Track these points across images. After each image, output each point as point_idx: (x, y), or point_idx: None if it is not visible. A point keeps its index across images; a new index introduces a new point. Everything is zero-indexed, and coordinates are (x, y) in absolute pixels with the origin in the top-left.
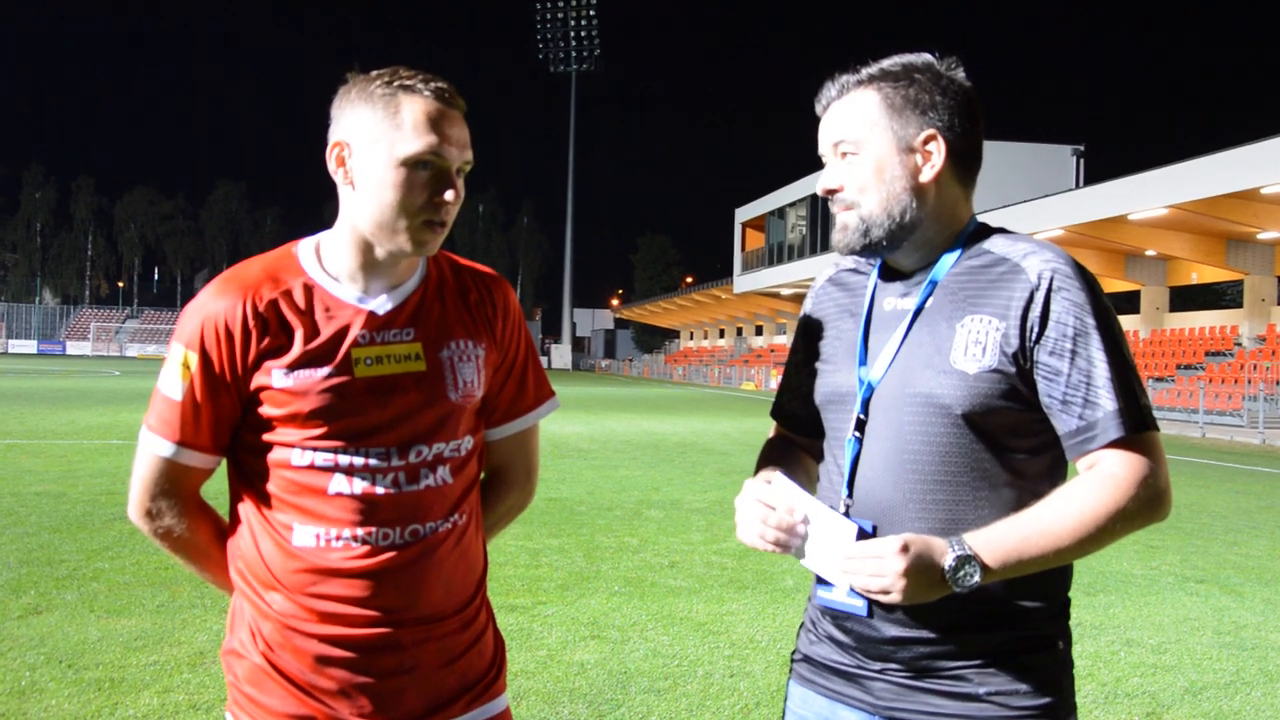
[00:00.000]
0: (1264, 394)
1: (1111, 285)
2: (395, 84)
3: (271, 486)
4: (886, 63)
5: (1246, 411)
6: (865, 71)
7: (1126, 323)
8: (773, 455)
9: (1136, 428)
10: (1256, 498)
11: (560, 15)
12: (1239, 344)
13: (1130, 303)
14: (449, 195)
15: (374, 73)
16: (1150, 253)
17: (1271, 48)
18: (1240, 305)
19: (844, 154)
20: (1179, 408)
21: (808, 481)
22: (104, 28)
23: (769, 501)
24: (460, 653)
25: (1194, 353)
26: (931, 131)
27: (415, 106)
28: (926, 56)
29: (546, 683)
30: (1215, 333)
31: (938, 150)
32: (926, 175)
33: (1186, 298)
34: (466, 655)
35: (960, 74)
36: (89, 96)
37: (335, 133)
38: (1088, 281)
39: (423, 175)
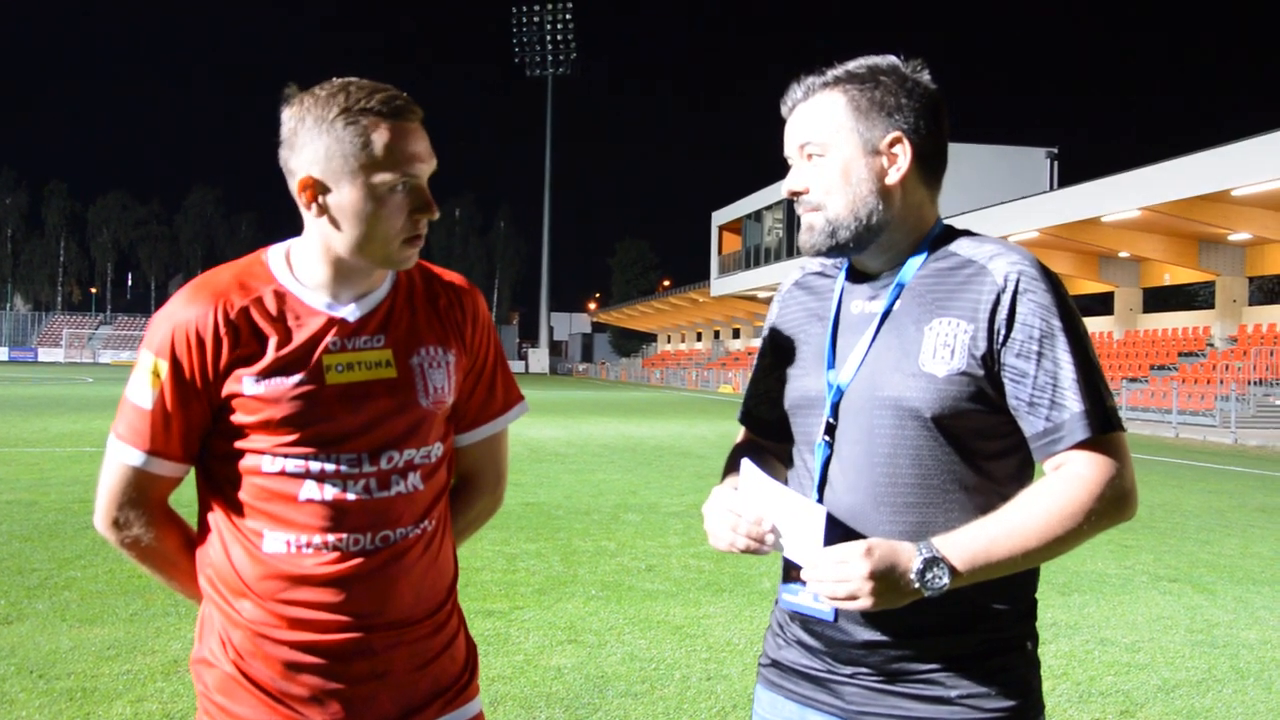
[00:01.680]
0: (1236, 394)
1: (1085, 286)
2: (355, 109)
3: (241, 494)
4: (852, 65)
5: (1219, 411)
6: (831, 73)
7: (1100, 324)
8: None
9: (1102, 428)
10: (1229, 497)
11: (537, 18)
12: (1211, 344)
13: (1104, 304)
14: (431, 212)
15: (322, 93)
16: (1123, 254)
17: (1243, 51)
18: (1212, 306)
19: (810, 156)
20: (1152, 408)
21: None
22: (77, 31)
23: (736, 509)
24: (432, 657)
25: (1167, 353)
26: (897, 134)
27: (382, 132)
28: (892, 59)
29: (523, 687)
30: (1188, 333)
31: (904, 152)
32: (893, 178)
33: (1159, 299)
34: (439, 660)
35: (925, 76)
36: (61, 100)
37: (297, 165)
38: (1053, 283)
39: (399, 197)
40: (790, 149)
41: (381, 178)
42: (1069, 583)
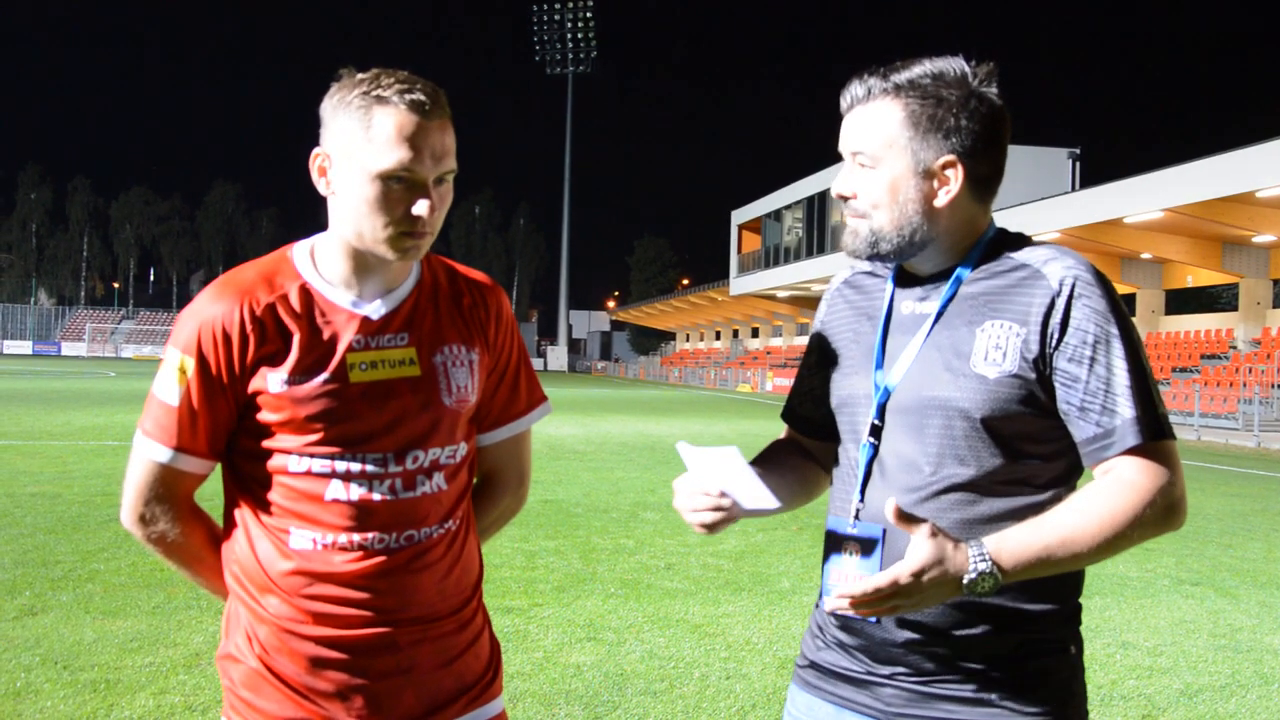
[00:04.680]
0: (1259, 397)
1: None
2: (372, 94)
3: (268, 492)
4: (918, 70)
5: (1242, 414)
6: (894, 78)
7: None
8: (763, 455)
9: (1154, 436)
10: (1251, 500)
11: (557, 17)
12: (1234, 347)
13: (1126, 305)
14: (421, 210)
15: (360, 76)
16: (1146, 256)
17: (1267, 51)
18: (1235, 308)
19: (861, 164)
20: (1174, 411)
21: (795, 480)
22: (102, 27)
23: (688, 491)
24: (457, 654)
25: (1189, 356)
26: (951, 158)
27: (387, 120)
28: (961, 67)
29: (543, 685)
30: (1211, 336)
31: (955, 176)
32: (941, 200)
33: (1182, 301)
34: (463, 657)
35: (993, 91)
36: (85, 96)
37: (322, 139)
38: (1107, 289)
39: (397, 189)
40: (844, 149)
41: (376, 165)
42: (1089, 585)
